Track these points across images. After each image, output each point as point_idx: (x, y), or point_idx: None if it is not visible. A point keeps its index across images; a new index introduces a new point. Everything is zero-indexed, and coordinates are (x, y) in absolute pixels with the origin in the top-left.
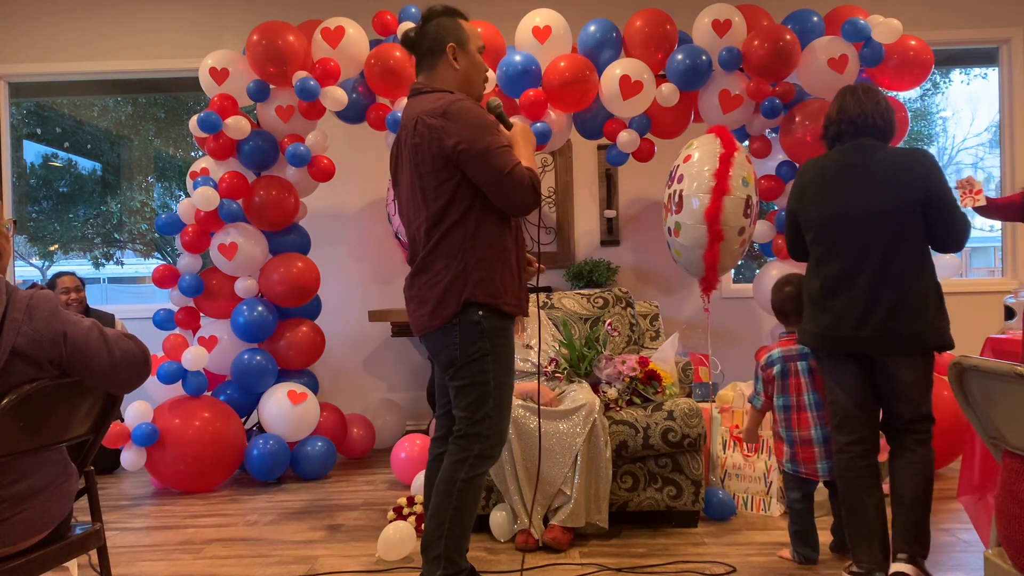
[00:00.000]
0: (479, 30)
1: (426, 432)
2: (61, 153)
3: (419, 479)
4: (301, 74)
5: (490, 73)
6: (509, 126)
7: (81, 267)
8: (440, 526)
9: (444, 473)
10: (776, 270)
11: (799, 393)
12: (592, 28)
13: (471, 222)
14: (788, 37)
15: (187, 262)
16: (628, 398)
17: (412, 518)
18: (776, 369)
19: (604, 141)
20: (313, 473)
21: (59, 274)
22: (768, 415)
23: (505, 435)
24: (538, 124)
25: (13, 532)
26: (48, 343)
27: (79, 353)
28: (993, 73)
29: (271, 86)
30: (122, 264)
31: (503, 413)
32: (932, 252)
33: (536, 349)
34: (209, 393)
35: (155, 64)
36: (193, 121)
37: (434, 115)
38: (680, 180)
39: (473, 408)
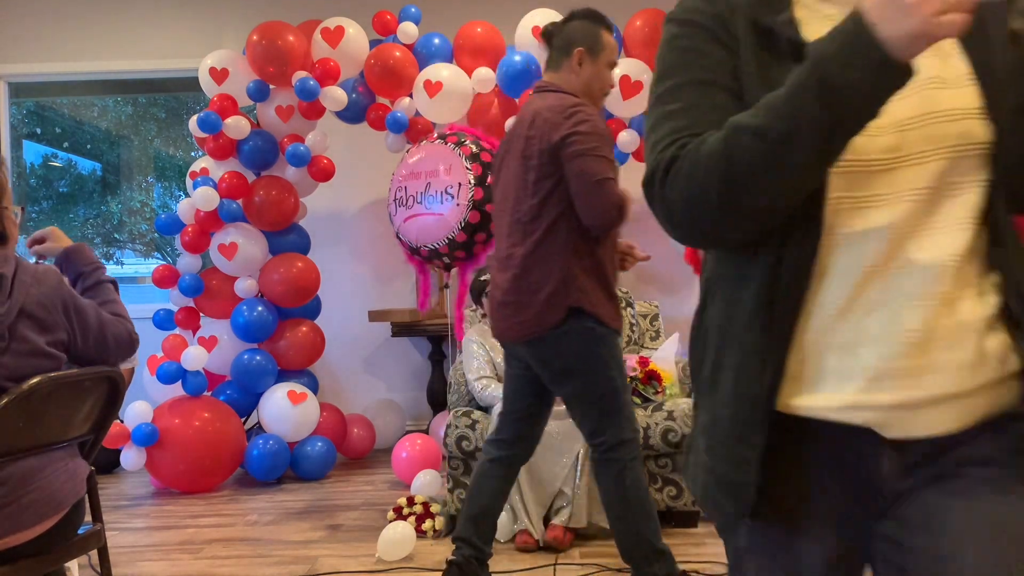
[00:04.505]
0: (617, 45)
1: (426, 432)
2: (61, 153)
3: (419, 479)
4: (301, 74)
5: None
6: None
7: None
8: (634, 532)
9: (608, 491)
10: None
11: None
12: None
13: (570, 229)
14: None
15: (187, 262)
16: None
17: (412, 518)
18: None
19: None
20: (313, 473)
21: None
22: None
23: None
24: None
25: (23, 515)
26: (55, 309)
27: (83, 321)
28: None
29: (271, 86)
30: (122, 264)
31: (632, 410)
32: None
33: None
34: (209, 393)
35: (155, 64)
36: (193, 121)
37: (555, 111)
38: None
39: (607, 419)
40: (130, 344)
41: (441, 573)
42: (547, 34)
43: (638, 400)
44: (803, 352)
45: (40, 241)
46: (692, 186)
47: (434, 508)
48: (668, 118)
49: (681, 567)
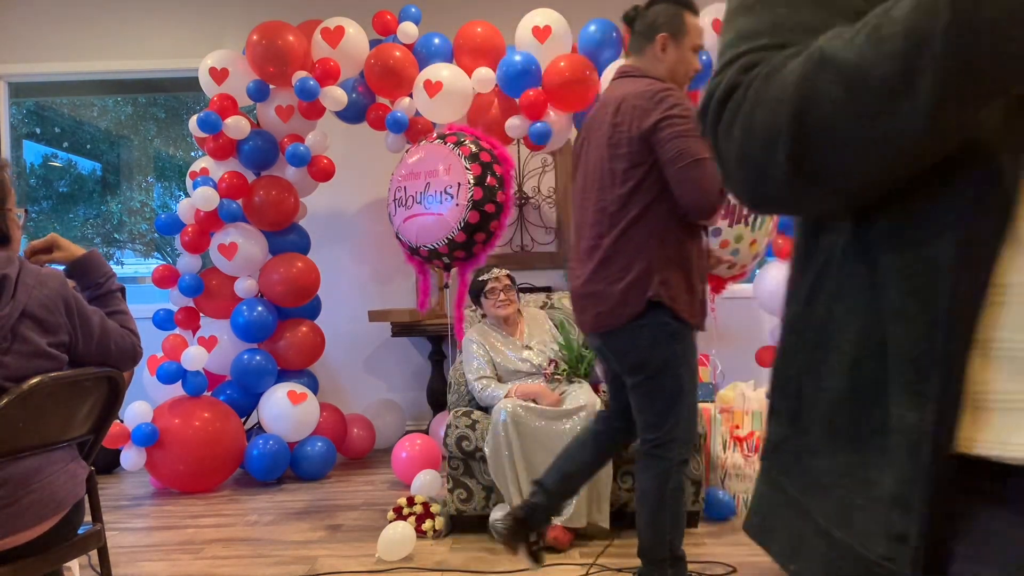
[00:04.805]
0: (702, 28)
1: (426, 432)
2: (61, 153)
3: (419, 479)
4: (301, 74)
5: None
6: None
7: None
8: (660, 533)
9: (647, 486)
10: (776, 270)
11: None
12: (592, 28)
13: (658, 219)
14: None
15: (187, 262)
16: None
17: (412, 518)
18: None
19: None
20: (313, 473)
21: None
22: None
23: (696, 436)
24: (538, 124)
25: (24, 515)
26: (57, 311)
27: (86, 325)
28: None
29: (271, 86)
30: (122, 264)
31: (694, 416)
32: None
33: (537, 349)
34: (209, 393)
35: (155, 64)
36: (193, 121)
37: (643, 97)
38: None
39: (664, 414)
40: (133, 356)
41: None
42: (628, 18)
43: None
44: (989, 364)
45: (45, 250)
46: (750, 139)
47: (434, 508)
48: (741, 13)
49: None
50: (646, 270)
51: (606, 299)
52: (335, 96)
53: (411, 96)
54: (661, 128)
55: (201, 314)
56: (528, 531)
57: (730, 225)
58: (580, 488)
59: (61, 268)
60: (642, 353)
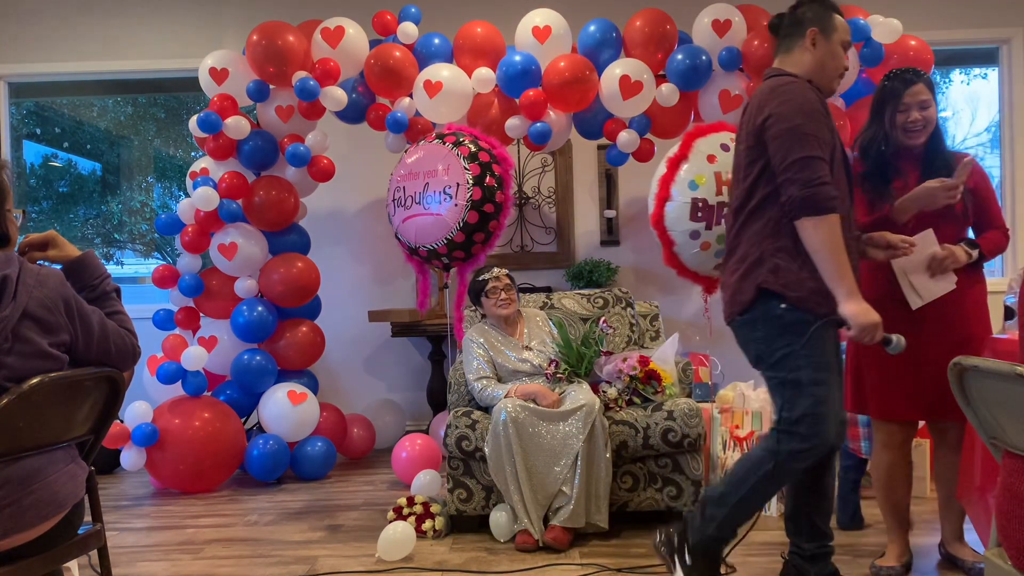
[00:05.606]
0: (849, 27)
1: (426, 432)
2: (61, 153)
3: (419, 479)
4: (301, 74)
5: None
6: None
7: None
8: (730, 495)
9: (755, 454)
10: None
11: None
12: (592, 28)
13: (772, 209)
14: None
15: (187, 262)
16: (628, 398)
17: (412, 518)
18: None
19: (604, 141)
20: (313, 473)
21: None
22: None
23: (831, 436)
24: (538, 124)
25: (24, 515)
26: (57, 310)
27: (86, 325)
28: (993, 73)
29: (271, 86)
30: (122, 264)
31: (824, 412)
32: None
33: (537, 349)
34: (209, 393)
35: (155, 64)
36: (193, 121)
37: (764, 93)
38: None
39: (789, 407)
40: (132, 356)
41: None
42: (773, 25)
43: (638, 400)
44: None
45: (41, 246)
46: None
47: (434, 508)
48: None
49: None
50: (758, 259)
51: (728, 289)
52: (335, 96)
53: (411, 96)
54: (768, 126)
55: (201, 314)
56: None
57: (708, 228)
58: (829, 511)
59: (58, 268)
60: (758, 347)
